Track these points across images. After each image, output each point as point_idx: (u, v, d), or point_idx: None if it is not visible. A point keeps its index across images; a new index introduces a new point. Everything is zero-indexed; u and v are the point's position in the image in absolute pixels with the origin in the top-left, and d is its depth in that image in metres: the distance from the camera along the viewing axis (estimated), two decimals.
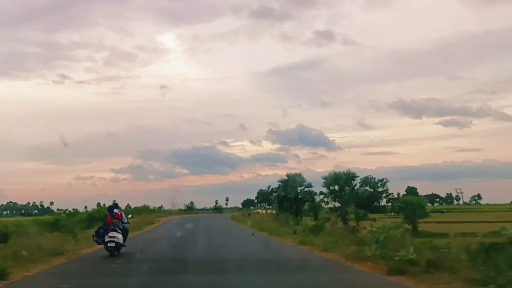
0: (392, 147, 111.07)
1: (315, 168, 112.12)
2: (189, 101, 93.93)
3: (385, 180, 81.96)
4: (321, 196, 30.17)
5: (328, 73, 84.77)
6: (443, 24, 79.59)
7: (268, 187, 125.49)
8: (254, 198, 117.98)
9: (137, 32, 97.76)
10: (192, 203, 73.08)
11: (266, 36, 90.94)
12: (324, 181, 29.84)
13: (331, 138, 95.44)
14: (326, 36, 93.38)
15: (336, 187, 28.53)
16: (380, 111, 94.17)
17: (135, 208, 45.88)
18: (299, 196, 34.22)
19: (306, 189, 35.32)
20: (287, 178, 35.70)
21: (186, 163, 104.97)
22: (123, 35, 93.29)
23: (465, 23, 79.55)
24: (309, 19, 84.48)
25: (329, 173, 29.81)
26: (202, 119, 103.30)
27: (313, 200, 32.45)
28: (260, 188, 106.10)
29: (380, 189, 76.11)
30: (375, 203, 79.67)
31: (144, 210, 51.53)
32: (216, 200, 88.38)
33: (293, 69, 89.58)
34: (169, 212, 58.88)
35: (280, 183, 35.72)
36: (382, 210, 69.87)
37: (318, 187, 32.29)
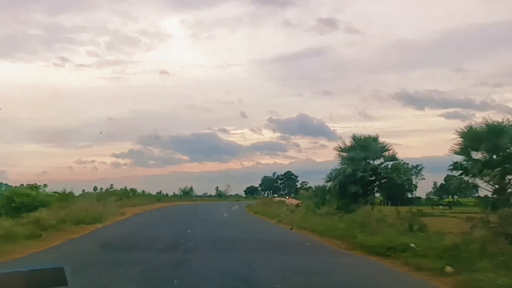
0: (394, 138, 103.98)
1: (315, 157, 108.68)
2: (190, 88, 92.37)
3: (420, 167, 68.67)
4: (455, 172, 14.37)
5: (330, 62, 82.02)
6: (449, 15, 74.25)
7: (273, 174, 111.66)
8: (258, 186, 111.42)
9: (140, 16, 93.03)
10: (191, 188, 58.46)
11: (269, 23, 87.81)
12: (461, 140, 13.94)
13: (332, 128, 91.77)
14: (329, 24, 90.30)
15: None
16: (383, 101, 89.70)
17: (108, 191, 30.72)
18: (381, 175, 19.32)
19: (386, 164, 20.38)
20: (353, 143, 20.68)
21: (186, 149, 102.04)
22: (126, 19, 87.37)
23: (472, 14, 74.51)
24: (313, 6, 79.39)
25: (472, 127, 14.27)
26: (202, 106, 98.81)
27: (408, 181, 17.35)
28: (264, 175, 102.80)
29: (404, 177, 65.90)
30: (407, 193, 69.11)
31: (124, 193, 37.43)
32: (217, 187, 75.91)
33: (295, 57, 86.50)
34: (161, 199, 44.46)
35: (344, 152, 20.65)
36: (416, 202, 57.58)
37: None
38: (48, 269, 1.61)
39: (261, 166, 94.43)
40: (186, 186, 57.07)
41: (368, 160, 20.22)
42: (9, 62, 74.23)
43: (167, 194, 53.92)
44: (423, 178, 67.53)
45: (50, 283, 1.57)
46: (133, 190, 45.01)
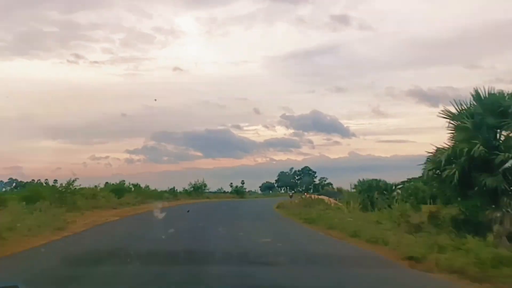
0: (408, 135, 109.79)
1: (329, 154, 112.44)
2: (204, 84, 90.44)
3: None
4: None
5: (344, 59, 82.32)
6: (464, 11, 73.47)
7: (290, 169, 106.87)
8: (274, 182, 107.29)
9: (155, 14, 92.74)
10: (204, 183, 49.65)
11: (283, 20, 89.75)
12: None
13: (345, 125, 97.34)
14: (342, 20, 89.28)
15: None
16: (396, 98, 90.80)
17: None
18: None
19: None
20: (476, 104, 12.04)
21: (199, 145, 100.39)
22: (140, 16, 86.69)
23: (488, 11, 71.93)
24: (326, 3, 79.51)
25: None
26: (216, 102, 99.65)
27: None
28: (281, 171, 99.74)
29: None
30: None
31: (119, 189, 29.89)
32: (231, 183, 68.66)
33: (308, 54, 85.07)
34: (163, 196, 36.62)
35: (459, 120, 12.05)
36: None
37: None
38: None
39: (274, 162, 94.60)
40: (198, 180, 48.50)
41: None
42: (26, 60, 75.68)
43: (176, 191, 45.76)
44: None
45: None
46: (137, 186, 37.21)
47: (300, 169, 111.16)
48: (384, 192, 21.97)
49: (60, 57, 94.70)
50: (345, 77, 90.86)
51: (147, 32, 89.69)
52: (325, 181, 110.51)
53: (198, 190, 48.36)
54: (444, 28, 78.04)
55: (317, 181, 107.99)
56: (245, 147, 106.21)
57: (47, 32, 69.93)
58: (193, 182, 48.47)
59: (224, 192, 61.65)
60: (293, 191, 53.80)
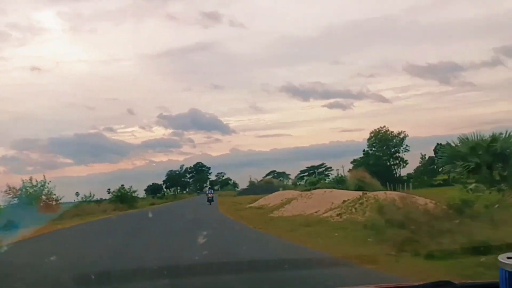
0: (285, 129, 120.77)
1: (210, 152, 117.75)
2: (69, 85, 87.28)
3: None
4: None
5: (219, 56, 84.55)
6: (328, 11, 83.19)
7: (181, 167, 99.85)
8: (162, 182, 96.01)
9: (9, 8, 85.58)
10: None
11: (154, 16, 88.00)
12: None
13: (225, 122, 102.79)
14: (214, 17, 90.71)
15: None
16: (271, 94, 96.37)
17: None
18: None
19: None
20: None
21: (69, 152, 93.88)
22: None
23: (348, 12, 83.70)
24: (196, 0, 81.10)
25: None
26: (85, 104, 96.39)
27: None
28: (170, 169, 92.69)
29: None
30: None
31: None
32: (109, 189, 49.89)
33: (183, 52, 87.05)
34: None
35: None
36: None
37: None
38: None
39: (154, 164, 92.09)
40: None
41: None
42: None
43: None
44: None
45: None
46: None
47: (191, 165, 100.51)
48: None
49: None
50: (221, 74, 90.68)
51: (1, 29, 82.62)
52: (222, 176, 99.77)
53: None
54: (311, 26, 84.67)
55: (212, 177, 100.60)
56: (121, 150, 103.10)
57: None
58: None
59: (101, 200, 42.00)
60: (212, 190, 38.61)
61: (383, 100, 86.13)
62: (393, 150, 57.98)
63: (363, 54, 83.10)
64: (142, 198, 60.06)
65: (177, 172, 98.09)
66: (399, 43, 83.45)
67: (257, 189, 51.17)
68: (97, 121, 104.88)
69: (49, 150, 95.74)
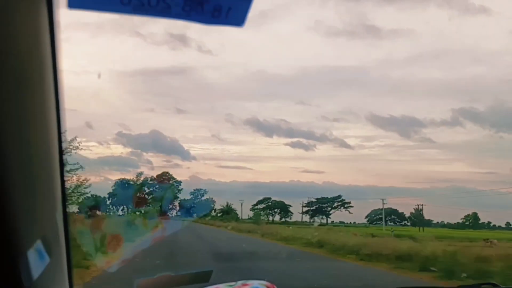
0: (247, 162, 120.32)
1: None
2: None
3: None
4: None
5: (187, 82, 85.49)
6: (303, 54, 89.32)
7: (138, 175, 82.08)
8: (107, 196, 79.76)
9: None
10: None
11: (127, 34, 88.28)
12: None
13: (186, 148, 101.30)
14: (183, 41, 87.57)
15: None
16: (236, 126, 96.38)
17: None
18: None
19: None
20: None
21: None
22: None
23: (323, 57, 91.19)
24: (166, 22, 69.83)
25: None
26: None
27: None
28: (121, 178, 77.74)
29: None
30: None
31: None
32: None
33: (150, 72, 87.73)
34: None
35: None
36: None
37: None
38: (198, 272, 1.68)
39: (110, 182, 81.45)
40: None
41: None
42: None
43: None
44: None
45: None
46: None
47: (154, 175, 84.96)
48: None
49: None
50: (186, 100, 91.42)
51: None
52: (202, 195, 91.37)
53: None
54: (283, 65, 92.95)
55: (186, 195, 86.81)
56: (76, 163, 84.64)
57: None
58: None
59: None
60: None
61: (346, 146, 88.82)
62: None
63: (330, 98, 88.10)
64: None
65: (131, 183, 78.37)
66: (366, 92, 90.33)
67: None
68: None
69: None
